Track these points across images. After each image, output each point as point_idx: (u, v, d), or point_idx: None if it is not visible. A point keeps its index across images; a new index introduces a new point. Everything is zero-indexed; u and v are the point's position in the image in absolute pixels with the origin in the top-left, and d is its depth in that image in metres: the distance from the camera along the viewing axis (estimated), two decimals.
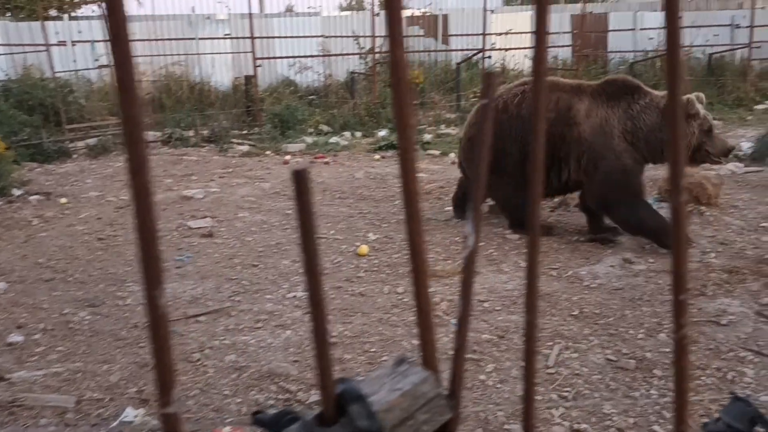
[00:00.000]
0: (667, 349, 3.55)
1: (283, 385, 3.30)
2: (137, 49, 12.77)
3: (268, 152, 9.93)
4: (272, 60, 13.46)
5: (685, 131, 4.97)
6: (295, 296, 4.40)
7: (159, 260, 0.48)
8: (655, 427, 2.88)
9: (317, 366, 0.53)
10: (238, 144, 10.49)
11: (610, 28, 16.47)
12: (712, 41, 15.25)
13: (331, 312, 4.09)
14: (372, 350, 3.60)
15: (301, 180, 0.51)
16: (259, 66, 11.99)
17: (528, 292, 0.68)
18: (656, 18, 16.36)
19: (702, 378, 3.27)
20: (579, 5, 14.86)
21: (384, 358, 3.50)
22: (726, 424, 0.93)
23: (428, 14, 16.51)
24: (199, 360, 3.63)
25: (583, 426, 2.90)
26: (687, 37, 15.68)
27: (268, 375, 3.39)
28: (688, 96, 5.10)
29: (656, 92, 5.31)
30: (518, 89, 5.63)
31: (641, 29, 16.38)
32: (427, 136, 10.70)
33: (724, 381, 3.24)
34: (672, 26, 0.56)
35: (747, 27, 15.51)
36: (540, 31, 0.59)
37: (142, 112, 0.49)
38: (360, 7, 21.42)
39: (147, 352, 3.65)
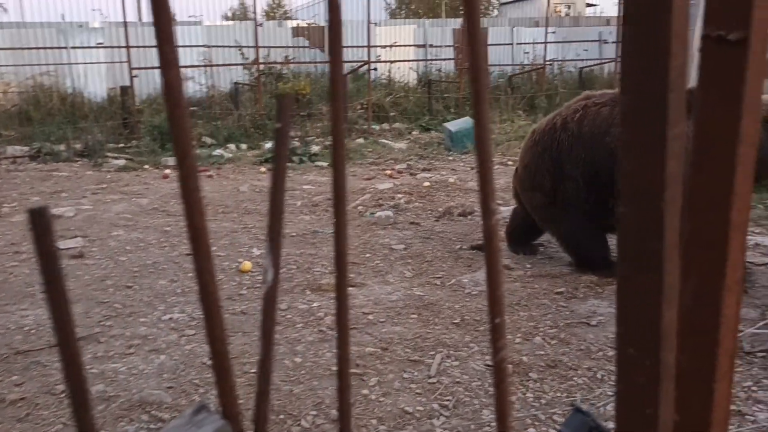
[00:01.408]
0: (542, 352, 3.68)
1: (156, 414, 3.11)
2: (0, 58, 11.89)
3: (146, 166, 9.50)
4: (150, 70, 12.94)
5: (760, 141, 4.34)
6: (171, 318, 4.19)
7: None
8: (531, 430, 2.95)
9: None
10: (114, 158, 9.96)
11: (490, 42, 17.12)
12: (582, 56, 16.20)
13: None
14: (252, 371, 3.47)
15: (40, 221, 0.44)
16: (135, 76, 11.48)
17: None
18: (531, 33, 17.20)
19: (574, 378, 3.40)
20: (460, 20, 15.33)
21: None
22: None
23: (313, 25, 16.48)
24: (63, 392, 3.36)
25: None
26: (560, 52, 16.59)
27: (139, 404, 3.19)
28: None
29: None
30: (579, 104, 4.94)
31: (518, 44, 17.16)
32: (315, 148, 10.64)
33: (595, 380, 3.38)
34: (476, 49, 0.54)
35: (613, 42, 16.62)
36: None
37: None
38: (244, 17, 21.07)
39: None
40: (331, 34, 0.56)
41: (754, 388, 3.21)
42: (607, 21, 21.05)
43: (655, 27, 0.64)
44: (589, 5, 32.34)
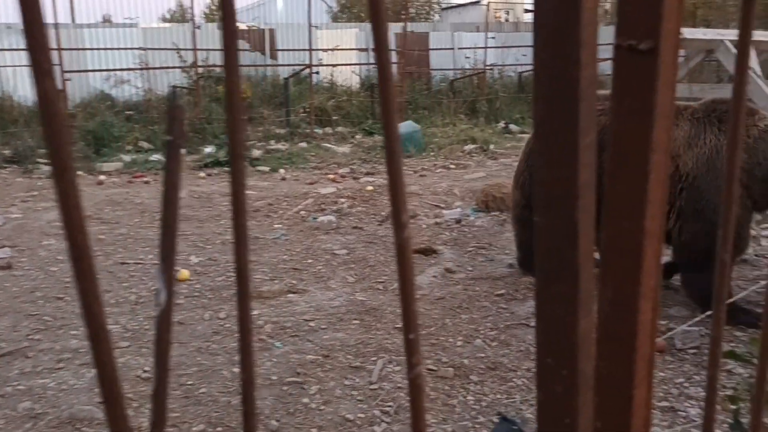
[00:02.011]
0: (483, 354, 3.71)
1: (86, 431, 2.99)
2: None
3: (79, 172, 9.17)
4: (84, 73, 12.53)
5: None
6: None
7: None
8: None
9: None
10: (46, 164, 9.58)
11: (431, 46, 17.27)
12: (521, 60, 16.49)
13: (145, 345, 3.81)
14: (189, 383, 3.38)
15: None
16: (68, 80, 11.09)
17: None
18: (472, 38, 17.43)
19: (514, 380, 3.44)
20: (402, 24, 15.42)
21: (202, 390, 3.31)
22: None
23: (254, 28, 16.29)
24: None
25: None
26: (500, 57, 16.86)
27: (68, 421, 3.06)
28: None
29: None
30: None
31: (459, 48, 17.37)
32: (257, 152, 10.50)
33: (534, 381, 3.42)
34: (382, 57, 0.52)
35: None
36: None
37: None
38: (183, 19, 20.67)
39: None
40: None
41: (686, 385, 3.31)
42: None
43: (565, 36, 0.64)
44: (527, 11, 33.05)
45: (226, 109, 0.54)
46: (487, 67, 15.39)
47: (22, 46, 12.61)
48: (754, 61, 8.45)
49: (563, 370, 0.73)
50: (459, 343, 3.86)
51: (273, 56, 15.99)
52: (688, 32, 8.91)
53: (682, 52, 9.85)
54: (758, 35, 9.74)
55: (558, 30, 0.64)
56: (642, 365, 0.79)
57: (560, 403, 0.74)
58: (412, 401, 0.62)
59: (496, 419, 0.90)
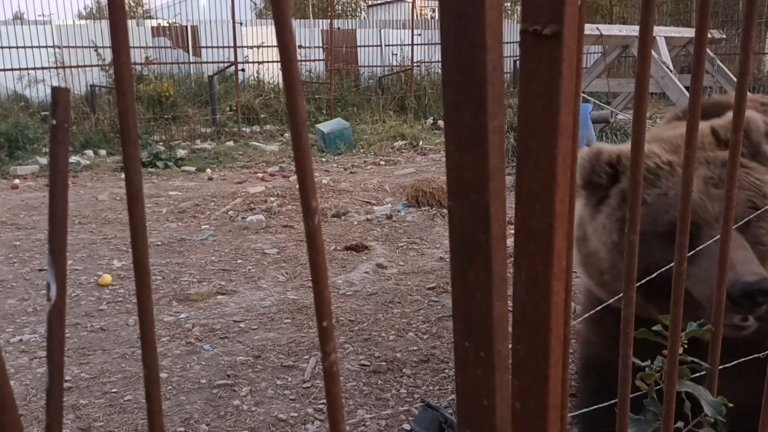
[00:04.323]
0: (415, 347, 3.73)
1: None
2: None
3: None
4: None
5: None
6: (21, 340, 3.85)
7: None
8: (405, 425, 2.98)
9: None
10: None
11: (358, 43, 17.27)
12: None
13: (65, 353, 3.64)
14: (113, 390, 3.26)
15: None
16: None
17: None
18: (399, 35, 17.53)
19: (446, 371, 3.48)
20: (328, 21, 15.35)
21: (128, 398, 3.20)
22: None
23: (176, 25, 15.86)
24: None
25: None
26: (426, 54, 17.02)
27: None
28: None
29: None
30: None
31: (386, 45, 17.44)
32: (181, 152, 10.23)
33: None
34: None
35: None
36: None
37: None
38: (100, 16, 19.92)
39: None
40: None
41: None
42: None
43: (470, 20, 0.64)
44: None
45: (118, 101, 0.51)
46: (415, 64, 15.52)
47: None
48: (665, 56, 8.84)
49: (481, 352, 0.73)
50: (391, 338, 3.88)
51: (196, 53, 15.62)
52: (605, 29, 9.23)
53: (599, 48, 10.21)
54: (670, 31, 10.20)
55: (463, 14, 0.64)
56: (557, 346, 0.80)
57: (479, 385, 0.74)
58: (327, 390, 0.62)
59: (419, 407, 0.90)
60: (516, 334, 0.80)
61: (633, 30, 10.20)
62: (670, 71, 8.43)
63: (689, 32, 10.05)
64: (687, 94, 8.11)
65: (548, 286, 0.77)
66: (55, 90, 0.45)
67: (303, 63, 15.95)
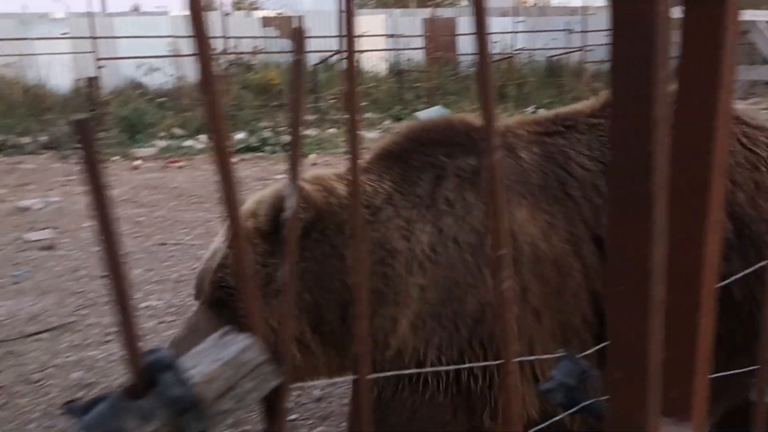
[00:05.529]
0: None
1: None
2: None
3: (115, 158, 9.37)
4: (117, 61, 12.74)
5: None
6: (148, 306, 4.17)
7: None
8: None
9: (123, 334, 0.48)
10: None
11: (459, 32, 17.20)
12: (550, 45, 16.36)
13: None
14: None
15: (84, 132, 0.45)
16: (102, 67, 11.30)
17: None
18: (500, 23, 17.31)
19: None
20: (429, 10, 15.38)
21: None
22: (559, 382, 0.98)
23: (283, 15, 16.38)
24: (40, 381, 3.33)
25: None
26: (528, 42, 16.74)
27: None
28: None
29: None
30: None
31: (487, 33, 17.23)
32: (287, 138, 10.59)
33: None
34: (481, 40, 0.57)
35: (580, 32, 16.83)
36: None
37: None
38: (211, 8, 20.85)
39: None
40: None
41: None
42: (574, 11, 21.30)
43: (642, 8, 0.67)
44: None
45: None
46: (516, 52, 15.30)
47: (56, 34, 12.84)
48: None
49: (636, 296, 0.77)
50: None
51: None
52: None
53: None
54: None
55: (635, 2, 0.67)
56: (707, 298, 0.83)
57: (632, 329, 0.78)
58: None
59: (559, 357, 0.93)
60: (666, 286, 0.83)
61: (752, 15, 9.61)
62: None
63: None
64: None
65: (702, 237, 0.80)
66: (295, 31, 0.53)
67: (403, 51, 16.07)
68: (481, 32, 0.58)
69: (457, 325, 1.76)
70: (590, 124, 1.94)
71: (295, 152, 0.53)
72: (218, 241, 1.99)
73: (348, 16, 0.53)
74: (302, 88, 0.51)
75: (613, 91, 0.74)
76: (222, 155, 0.54)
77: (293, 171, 0.53)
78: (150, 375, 0.49)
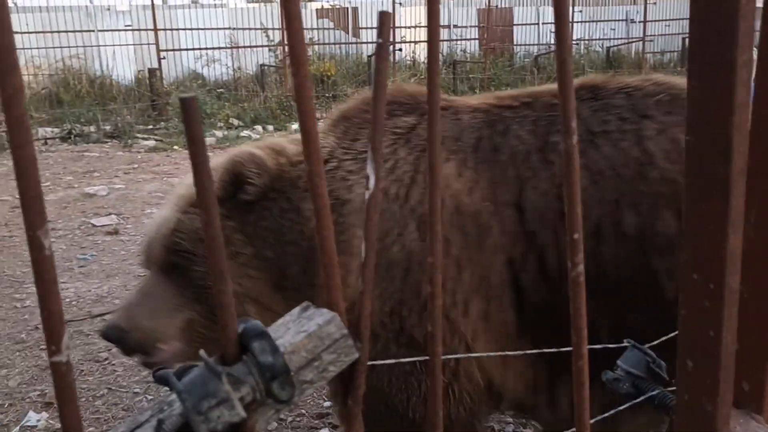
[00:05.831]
0: None
1: None
2: (31, 41, 12.07)
3: (175, 147, 9.62)
4: (177, 52, 13.05)
5: None
6: None
7: (41, 199, 0.44)
8: None
9: (218, 303, 0.51)
10: (144, 139, 10.11)
11: (515, 22, 16.96)
12: (609, 35, 15.98)
13: None
14: None
15: (189, 108, 0.48)
16: (163, 59, 11.60)
17: None
18: None
19: None
20: (484, 0, 15.21)
21: None
22: (625, 372, 0.97)
23: (337, 7, 16.47)
24: (106, 359, 3.47)
25: None
26: (586, 32, 16.38)
27: None
28: None
29: None
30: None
31: (544, 23, 16.97)
32: None
33: None
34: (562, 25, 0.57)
35: (640, 22, 16.37)
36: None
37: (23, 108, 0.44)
38: (269, 0, 21.14)
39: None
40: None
41: None
42: (634, 0, 20.71)
43: None
44: None
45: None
46: (573, 42, 14.98)
47: (121, 26, 13.21)
48: None
49: (710, 284, 0.76)
50: None
51: (356, 34, 16.13)
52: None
53: None
54: None
55: None
56: None
57: (705, 317, 0.77)
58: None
59: (626, 347, 0.92)
60: (741, 274, 0.81)
61: None
62: None
63: None
64: None
65: None
66: (381, 14, 0.54)
67: (457, 42, 15.95)
68: (561, 22, 0.59)
69: (392, 275, 1.81)
70: (549, 104, 1.92)
71: (376, 128, 0.55)
72: (163, 212, 2.03)
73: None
74: (385, 71, 0.53)
75: (689, 76, 0.73)
76: (308, 131, 0.55)
77: (375, 150, 0.55)
78: (242, 343, 0.52)
